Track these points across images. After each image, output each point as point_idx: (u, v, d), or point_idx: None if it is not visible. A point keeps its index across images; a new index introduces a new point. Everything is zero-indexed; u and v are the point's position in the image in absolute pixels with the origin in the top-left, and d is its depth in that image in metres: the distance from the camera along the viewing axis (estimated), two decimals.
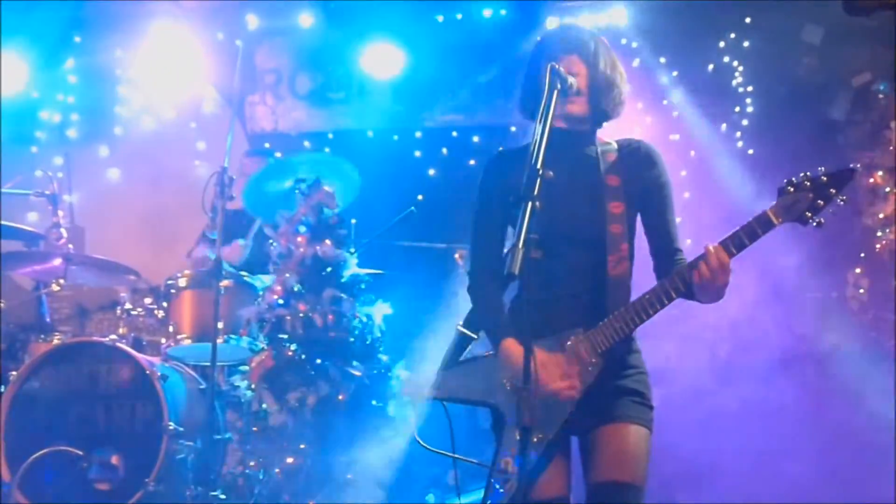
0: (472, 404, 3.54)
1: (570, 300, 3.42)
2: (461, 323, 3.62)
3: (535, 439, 3.29)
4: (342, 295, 6.06)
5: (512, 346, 3.37)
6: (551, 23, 7.67)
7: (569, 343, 3.34)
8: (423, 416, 3.95)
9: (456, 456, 3.53)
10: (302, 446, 5.84)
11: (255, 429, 5.92)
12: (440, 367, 3.59)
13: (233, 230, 6.75)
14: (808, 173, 3.20)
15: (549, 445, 3.33)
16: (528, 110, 3.56)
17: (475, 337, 3.59)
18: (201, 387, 6.10)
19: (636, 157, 3.53)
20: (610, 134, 3.64)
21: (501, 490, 3.31)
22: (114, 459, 5.58)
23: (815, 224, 3.20)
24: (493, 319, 3.49)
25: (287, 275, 6.08)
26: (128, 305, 6.33)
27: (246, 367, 6.11)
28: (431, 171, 8.60)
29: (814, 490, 6.11)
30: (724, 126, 7.83)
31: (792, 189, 3.20)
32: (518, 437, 3.29)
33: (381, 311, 6.20)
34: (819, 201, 3.17)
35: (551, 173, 2.95)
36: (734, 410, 6.63)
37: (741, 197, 7.02)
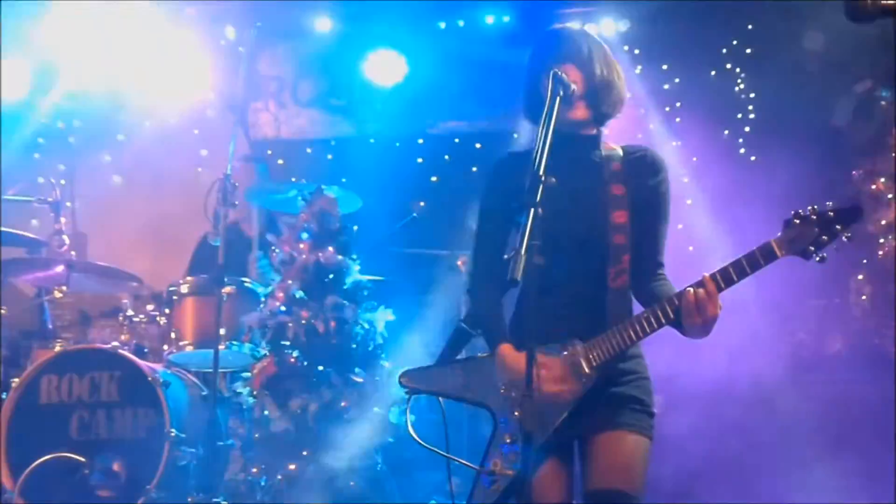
0: (465, 403, 3.54)
1: (569, 309, 3.40)
2: (462, 319, 3.62)
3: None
4: (344, 302, 6.06)
5: (508, 352, 3.37)
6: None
7: (565, 353, 3.33)
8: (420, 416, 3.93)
9: (448, 455, 3.53)
10: (304, 453, 5.84)
11: (257, 435, 5.92)
12: (436, 362, 3.59)
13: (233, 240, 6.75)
14: (816, 206, 3.18)
15: (541, 450, 3.30)
16: (532, 116, 3.56)
17: (475, 334, 3.59)
18: (203, 393, 6.10)
19: (641, 165, 3.52)
20: (614, 139, 3.63)
21: (489, 491, 3.31)
22: (115, 466, 5.58)
23: (817, 259, 3.19)
24: (490, 323, 3.49)
25: (289, 281, 6.08)
26: (130, 312, 6.33)
27: (248, 374, 6.11)
28: (434, 178, 8.61)
29: (815, 491, 6.10)
30: (726, 132, 7.83)
31: (798, 221, 3.18)
32: (509, 441, 3.31)
33: (383, 317, 6.19)
34: (824, 237, 3.16)
35: (554, 179, 2.94)
36: (738, 415, 6.62)
37: (743, 204, 7.01)
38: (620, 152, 3.56)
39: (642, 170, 3.51)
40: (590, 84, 3.42)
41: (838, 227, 3.16)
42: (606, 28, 7.83)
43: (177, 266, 7.50)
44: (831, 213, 3.17)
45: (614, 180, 3.47)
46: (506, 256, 2.87)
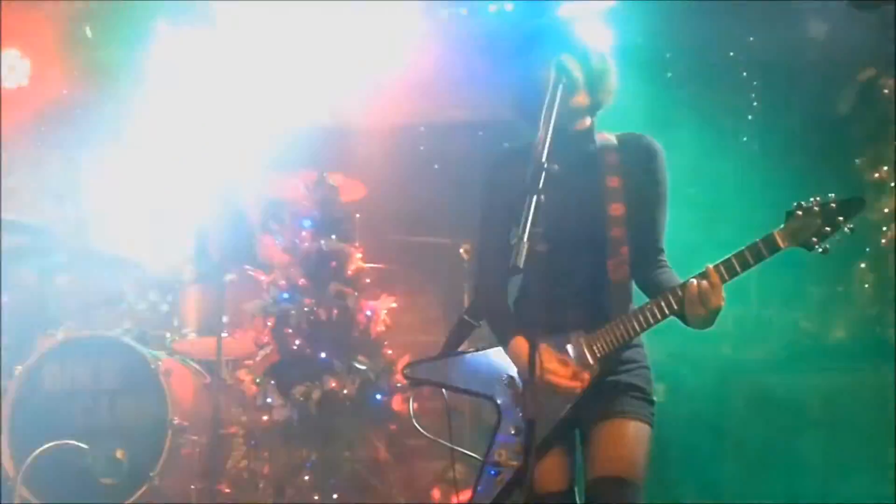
0: (469, 394, 3.55)
1: (571, 300, 3.41)
2: (465, 311, 3.63)
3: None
4: (347, 289, 6.06)
5: (522, 344, 3.36)
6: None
7: (569, 344, 3.35)
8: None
9: (452, 446, 3.54)
10: (306, 441, 5.85)
11: (259, 423, 5.93)
12: (440, 354, 3.60)
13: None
14: (819, 198, 3.19)
15: (545, 441, 3.32)
16: (525, 112, 3.53)
17: (478, 325, 3.60)
18: (206, 381, 6.11)
19: (636, 152, 3.51)
20: (614, 128, 3.62)
21: (494, 481, 3.32)
22: (118, 454, 5.59)
23: (820, 251, 3.19)
24: (499, 316, 3.49)
25: (292, 269, 6.09)
26: (133, 299, 6.34)
27: (251, 362, 6.11)
28: (436, 166, 8.60)
29: (814, 489, 6.11)
30: (728, 120, 7.81)
31: (801, 213, 3.19)
32: (514, 432, 3.32)
33: (385, 305, 6.20)
34: (827, 228, 3.17)
35: (556, 166, 2.94)
36: (738, 406, 6.62)
37: (745, 192, 7.01)
38: (615, 141, 3.55)
39: (637, 156, 3.51)
40: (587, 72, 3.42)
41: (841, 218, 3.16)
42: (608, 16, 7.79)
43: (180, 254, 7.50)
44: (834, 205, 3.18)
45: (610, 172, 3.46)
46: (511, 243, 2.86)
